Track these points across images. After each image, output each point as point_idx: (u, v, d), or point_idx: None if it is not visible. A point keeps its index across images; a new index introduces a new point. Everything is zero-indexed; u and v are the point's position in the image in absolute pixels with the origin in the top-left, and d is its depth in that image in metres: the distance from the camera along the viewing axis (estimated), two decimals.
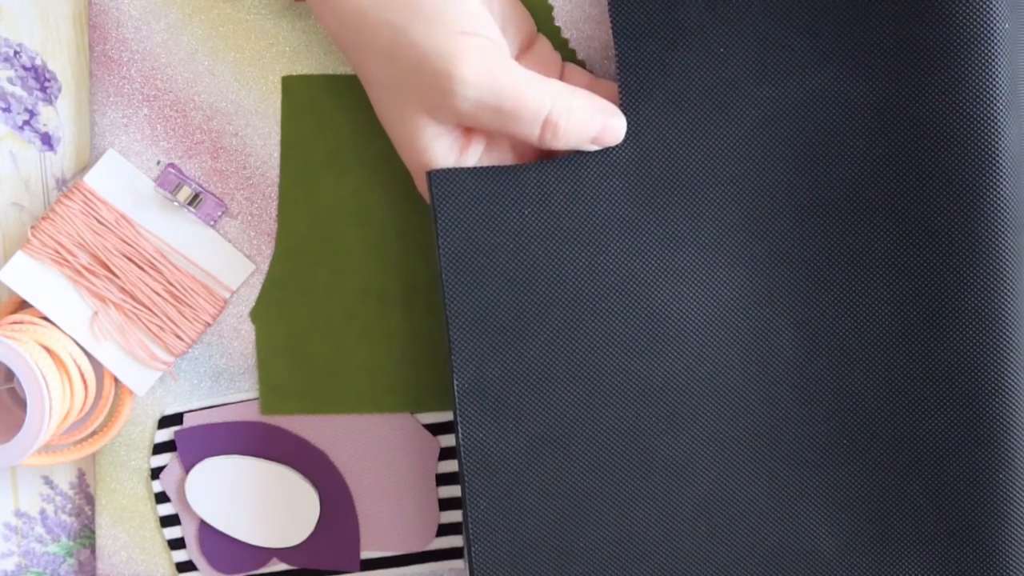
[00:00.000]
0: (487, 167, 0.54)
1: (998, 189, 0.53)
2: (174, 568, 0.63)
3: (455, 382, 0.55)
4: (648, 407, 0.55)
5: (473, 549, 0.55)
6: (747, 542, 0.56)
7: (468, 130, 0.54)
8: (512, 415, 0.55)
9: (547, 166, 0.54)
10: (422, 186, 0.55)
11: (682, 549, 0.56)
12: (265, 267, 0.61)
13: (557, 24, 0.59)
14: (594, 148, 0.54)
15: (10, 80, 0.61)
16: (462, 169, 0.54)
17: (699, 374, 0.56)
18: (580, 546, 0.56)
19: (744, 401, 0.56)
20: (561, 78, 0.57)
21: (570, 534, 0.56)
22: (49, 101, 0.61)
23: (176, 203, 0.60)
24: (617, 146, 0.55)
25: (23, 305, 0.62)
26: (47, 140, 0.62)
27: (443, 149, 0.54)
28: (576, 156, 0.54)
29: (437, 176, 0.54)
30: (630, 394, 0.55)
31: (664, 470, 0.56)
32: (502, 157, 0.55)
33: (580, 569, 0.56)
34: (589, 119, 0.53)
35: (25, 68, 0.61)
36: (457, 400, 0.55)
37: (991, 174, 0.53)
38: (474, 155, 0.54)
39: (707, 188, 0.55)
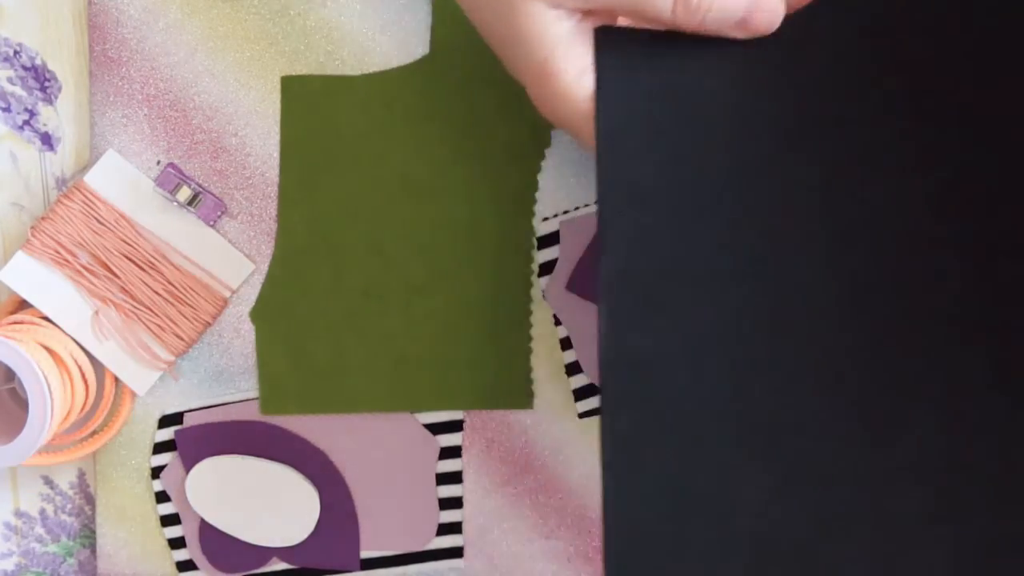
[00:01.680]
0: (659, 31, 0.46)
1: None
2: (175, 567, 0.63)
3: (601, 267, 0.45)
4: (832, 312, 0.45)
5: (605, 477, 0.43)
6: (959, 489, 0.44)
7: (588, 14, 0.47)
8: (666, 313, 0.44)
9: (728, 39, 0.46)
10: (540, 91, 0.47)
11: (875, 483, 0.44)
12: (265, 267, 0.61)
13: None
14: (740, 35, 0.47)
15: (10, 80, 0.61)
16: (631, 29, 0.46)
17: (894, 274, 0.45)
18: (745, 483, 0.43)
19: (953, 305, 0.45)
20: None
21: (733, 466, 0.44)
22: (49, 101, 0.61)
23: (176, 203, 0.60)
24: (812, 18, 0.46)
25: (23, 305, 0.62)
26: (47, 140, 0.62)
27: (564, 35, 0.46)
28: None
29: (603, 33, 0.46)
30: (810, 297, 0.45)
31: (855, 392, 0.44)
32: None
33: (744, 513, 0.43)
34: None
35: (25, 68, 0.61)
36: (602, 289, 0.44)
37: None
38: (589, 53, 0.47)
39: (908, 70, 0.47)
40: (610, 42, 0.46)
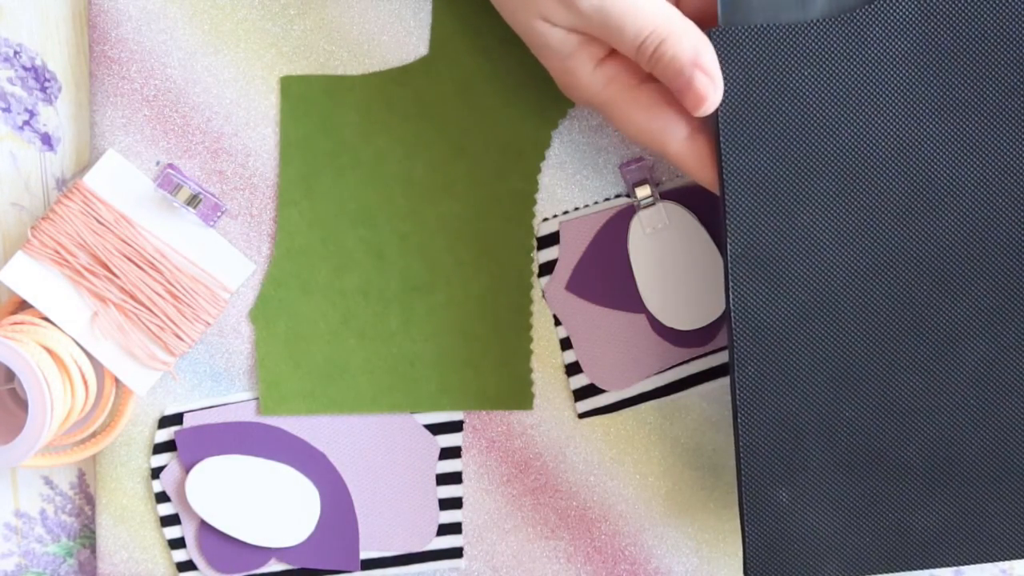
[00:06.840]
0: (771, 25, 0.54)
1: None
2: (174, 568, 0.63)
3: (728, 245, 0.54)
4: (920, 275, 0.55)
5: (739, 415, 0.55)
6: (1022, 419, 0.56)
7: (583, 31, 0.54)
8: (783, 280, 0.55)
9: (830, 25, 0.54)
10: (563, 81, 0.56)
11: (952, 423, 0.56)
12: (265, 267, 0.61)
13: None
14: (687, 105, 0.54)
15: (10, 80, 0.61)
16: (743, 27, 0.53)
17: (976, 241, 0.55)
18: (847, 415, 0.56)
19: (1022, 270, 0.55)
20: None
21: (837, 402, 0.56)
22: (49, 101, 0.61)
23: (176, 203, 0.60)
24: (903, 6, 0.53)
25: (23, 305, 0.62)
26: (47, 140, 0.62)
27: (575, 44, 0.54)
28: (860, 15, 0.53)
29: (717, 34, 0.53)
30: (902, 261, 0.55)
31: (935, 339, 0.55)
32: (626, 60, 0.56)
33: (846, 438, 0.56)
34: (682, 58, 0.52)
35: (25, 68, 0.61)
36: (729, 263, 0.55)
37: None
38: (597, 54, 0.55)
39: (993, 52, 0.54)
40: (725, 39, 0.53)
